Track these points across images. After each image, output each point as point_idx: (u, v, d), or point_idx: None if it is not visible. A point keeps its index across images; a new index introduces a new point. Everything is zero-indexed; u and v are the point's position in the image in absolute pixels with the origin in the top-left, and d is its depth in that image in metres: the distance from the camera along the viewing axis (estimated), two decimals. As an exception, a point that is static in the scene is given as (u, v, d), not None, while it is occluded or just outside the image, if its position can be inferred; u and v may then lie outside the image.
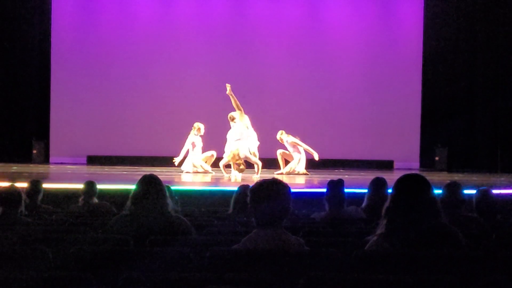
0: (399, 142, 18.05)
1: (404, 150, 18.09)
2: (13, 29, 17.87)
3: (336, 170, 15.96)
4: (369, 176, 14.15)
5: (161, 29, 18.11)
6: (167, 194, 5.41)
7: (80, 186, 8.64)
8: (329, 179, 6.88)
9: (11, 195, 6.21)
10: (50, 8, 18.01)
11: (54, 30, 18.02)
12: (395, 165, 17.92)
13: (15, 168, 15.45)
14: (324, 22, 18.32)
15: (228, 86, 14.12)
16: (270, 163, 15.59)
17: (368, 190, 7.23)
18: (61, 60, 17.98)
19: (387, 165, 17.83)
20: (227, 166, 14.06)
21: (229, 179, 13.48)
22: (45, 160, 17.73)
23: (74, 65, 17.96)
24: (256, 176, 13.49)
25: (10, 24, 17.88)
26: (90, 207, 7.96)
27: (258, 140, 14.18)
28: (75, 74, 17.89)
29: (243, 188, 7.04)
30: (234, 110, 14.08)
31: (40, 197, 8.06)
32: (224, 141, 14.03)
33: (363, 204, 7.23)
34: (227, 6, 18.34)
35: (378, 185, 7.12)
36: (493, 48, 18.09)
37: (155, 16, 18.20)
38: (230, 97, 14.08)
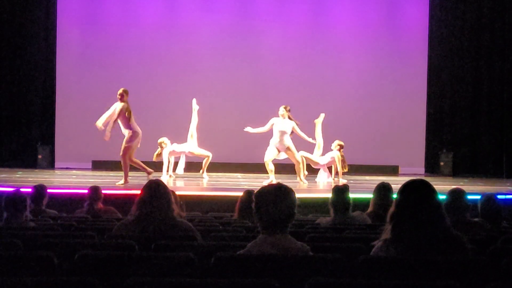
0: (404, 147, 18.03)
1: (409, 155, 18.07)
2: (18, 34, 17.90)
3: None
4: (374, 181, 14.15)
5: (166, 35, 18.12)
6: (172, 199, 5.42)
7: (85, 191, 8.65)
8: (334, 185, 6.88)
9: (16, 200, 6.22)
10: (55, 13, 18.04)
11: (59, 35, 18.04)
12: (400, 170, 17.90)
13: (20, 173, 15.46)
14: (329, 27, 18.32)
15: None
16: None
17: (373, 196, 7.23)
18: (67, 65, 18.00)
19: (392, 170, 17.81)
20: None
21: None
22: (50, 165, 17.75)
23: (79, 70, 17.99)
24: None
25: (15, 30, 17.91)
26: (95, 212, 7.97)
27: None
28: (80, 79, 17.91)
29: (248, 193, 7.05)
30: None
31: (45, 202, 8.08)
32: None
33: (369, 210, 7.24)
34: (232, 8, 18.34)
35: (383, 190, 7.12)
36: (498, 53, 18.07)
37: (161, 21, 18.21)
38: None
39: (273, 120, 13.72)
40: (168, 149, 14.60)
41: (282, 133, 13.56)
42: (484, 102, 18.22)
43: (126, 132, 12.99)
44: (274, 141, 13.65)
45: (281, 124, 13.63)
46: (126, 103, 12.82)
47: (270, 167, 13.72)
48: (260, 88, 17.86)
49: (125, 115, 12.80)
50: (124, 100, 12.83)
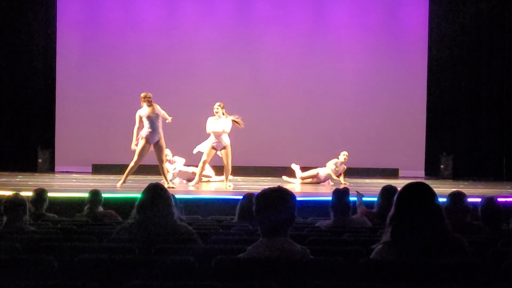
0: (404, 150, 18.02)
1: (409, 158, 18.06)
2: (18, 37, 17.90)
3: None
4: (374, 184, 14.19)
5: (167, 38, 18.12)
6: (172, 202, 5.42)
7: (85, 194, 8.65)
8: (334, 187, 6.89)
9: (16, 203, 6.22)
10: (55, 16, 18.05)
11: (59, 38, 18.04)
12: (401, 173, 17.89)
13: (20, 177, 15.46)
14: (329, 30, 18.32)
15: None
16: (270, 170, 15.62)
17: (379, 197, 7.22)
18: (67, 68, 18.00)
19: (393, 173, 17.80)
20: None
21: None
22: (51, 169, 17.74)
23: (79, 73, 17.98)
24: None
25: (15, 33, 17.92)
26: (95, 216, 7.97)
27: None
28: (80, 83, 17.91)
29: (249, 197, 7.05)
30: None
31: (45, 205, 8.08)
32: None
33: (374, 209, 7.24)
34: (232, 11, 18.35)
35: (388, 192, 7.10)
36: (499, 56, 18.07)
37: (161, 24, 18.21)
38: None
39: (209, 120, 13.50)
40: (175, 164, 14.92)
41: (218, 132, 13.34)
42: (484, 104, 18.21)
43: (159, 135, 13.01)
44: (211, 141, 13.47)
45: (216, 123, 13.40)
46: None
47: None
48: (260, 90, 17.87)
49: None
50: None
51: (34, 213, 7.65)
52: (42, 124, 18.15)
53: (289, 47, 18.15)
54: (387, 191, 7.12)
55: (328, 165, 14.95)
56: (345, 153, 14.94)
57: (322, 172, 15.09)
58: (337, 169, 14.90)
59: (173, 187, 12.95)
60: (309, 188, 14.22)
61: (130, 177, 13.87)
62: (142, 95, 13.01)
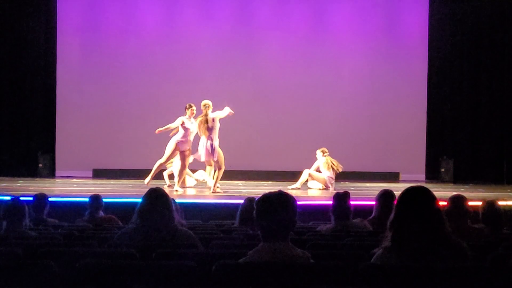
0: (405, 153, 18.02)
1: (410, 161, 18.05)
2: (18, 43, 17.92)
3: (342, 182, 15.92)
4: (375, 188, 14.18)
5: (167, 43, 18.12)
6: (173, 207, 5.42)
7: (86, 199, 8.65)
8: (335, 192, 6.88)
9: (15, 208, 6.21)
10: (55, 21, 18.06)
11: (59, 43, 18.05)
12: (401, 177, 17.89)
13: (21, 182, 15.46)
14: (329, 32, 18.33)
15: None
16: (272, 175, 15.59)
17: (377, 202, 7.22)
18: (67, 73, 18.01)
19: (393, 177, 17.80)
20: None
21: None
22: (51, 173, 17.73)
23: (80, 78, 17.99)
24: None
25: (15, 38, 17.93)
26: (96, 221, 7.97)
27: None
28: (80, 87, 17.91)
29: (249, 201, 7.04)
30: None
31: (46, 210, 8.07)
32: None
33: (372, 216, 7.24)
34: (232, 16, 18.36)
35: (386, 197, 7.10)
36: (498, 59, 18.08)
37: (162, 29, 18.22)
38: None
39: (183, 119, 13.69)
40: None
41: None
42: (484, 108, 18.21)
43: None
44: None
45: (188, 124, 13.67)
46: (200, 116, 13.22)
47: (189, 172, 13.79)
48: (261, 95, 17.87)
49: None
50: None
51: (35, 218, 7.64)
52: (42, 129, 18.15)
53: (290, 51, 18.16)
54: (385, 195, 7.12)
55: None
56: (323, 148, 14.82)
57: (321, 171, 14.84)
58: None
59: (177, 191, 12.99)
60: (310, 192, 14.21)
61: (131, 181, 13.86)
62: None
